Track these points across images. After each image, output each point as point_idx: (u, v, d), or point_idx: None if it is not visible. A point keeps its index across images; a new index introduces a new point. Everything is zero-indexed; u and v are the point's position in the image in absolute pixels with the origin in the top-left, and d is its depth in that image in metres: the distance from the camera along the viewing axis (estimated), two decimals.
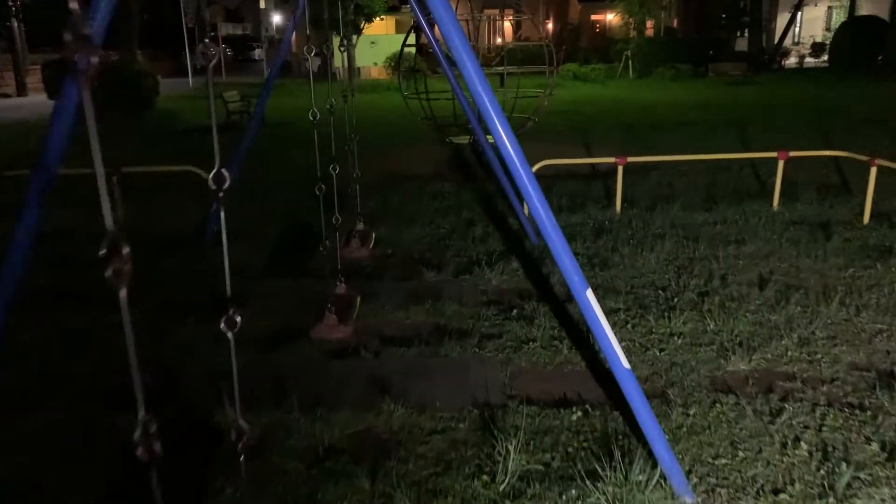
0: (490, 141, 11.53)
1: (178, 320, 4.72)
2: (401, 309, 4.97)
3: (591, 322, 2.66)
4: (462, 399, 3.74)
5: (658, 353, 4.28)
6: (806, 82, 24.27)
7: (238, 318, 1.72)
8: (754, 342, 4.38)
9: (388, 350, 4.33)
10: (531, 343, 4.44)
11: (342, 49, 5.22)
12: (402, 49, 11.56)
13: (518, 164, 2.62)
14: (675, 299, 5.09)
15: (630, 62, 29.64)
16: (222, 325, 1.70)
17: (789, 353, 4.25)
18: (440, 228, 7.13)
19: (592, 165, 9.07)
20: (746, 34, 34.52)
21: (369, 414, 3.57)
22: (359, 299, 4.81)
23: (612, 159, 7.44)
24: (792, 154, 7.53)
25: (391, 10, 30.62)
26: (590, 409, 3.62)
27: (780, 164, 7.42)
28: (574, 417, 3.55)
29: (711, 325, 4.63)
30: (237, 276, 5.55)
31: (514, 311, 4.94)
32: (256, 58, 42.43)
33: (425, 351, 4.32)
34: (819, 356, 4.20)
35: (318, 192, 3.64)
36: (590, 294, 2.64)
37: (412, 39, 13.62)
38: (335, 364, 4.18)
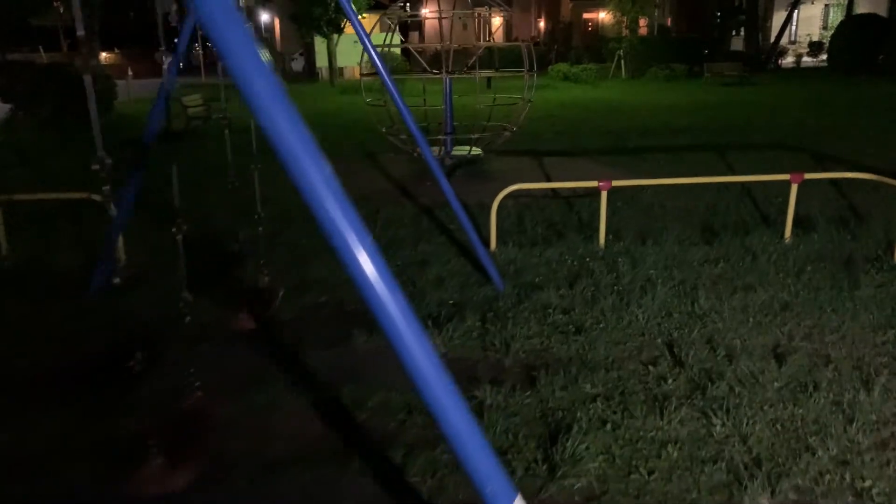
0: (442, 153, 10.36)
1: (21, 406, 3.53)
2: (309, 398, 3.78)
3: None
4: None
5: (646, 477, 3.10)
6: (805, 83, 23.15)
7: None
8: (777, 457, 3.21)
9: (269, 475, 3.13)
10: None
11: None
12: (363, 51, 10.31)
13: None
14: (670, 381, 3.92)
15: (622, 62, 28.52)
16: None
17: (826, 476, 3.08)
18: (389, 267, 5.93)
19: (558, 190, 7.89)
20: (742, 33, 33.51)
21: None
22: (209, 428, 3.35)
23: (594, 183, 6.27)
24: (808, 176, 6.37)
25: (375, 7, 29.36)
26: None
27: (794, 188, 6.27)
28: None
29: (718, 427, 3.45)
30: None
31: None
32: None
33: (324, 477, 3.12)
34: (868, 483, 3.04)
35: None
36: None
37: (394, 39, 12.48)
38: None
